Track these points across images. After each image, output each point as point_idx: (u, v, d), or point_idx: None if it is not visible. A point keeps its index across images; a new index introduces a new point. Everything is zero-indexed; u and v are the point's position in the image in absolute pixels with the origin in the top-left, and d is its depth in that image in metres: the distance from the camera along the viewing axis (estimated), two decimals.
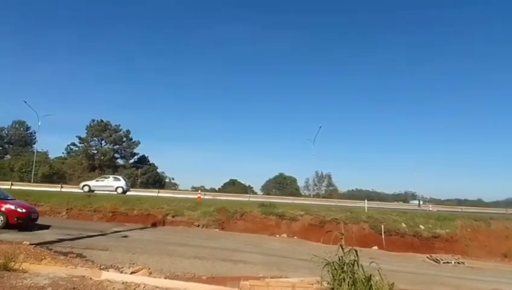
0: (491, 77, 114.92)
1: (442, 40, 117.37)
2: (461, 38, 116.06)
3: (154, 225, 23.11)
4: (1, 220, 15.81)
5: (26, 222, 16.41)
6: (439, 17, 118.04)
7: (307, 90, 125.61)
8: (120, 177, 35.15)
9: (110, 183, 33.08)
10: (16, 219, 16.00)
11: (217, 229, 23.23)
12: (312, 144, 54.99)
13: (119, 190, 32.30)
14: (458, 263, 19.42)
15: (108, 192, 31.32)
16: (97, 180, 34.23)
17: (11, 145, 72.26)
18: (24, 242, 11.68)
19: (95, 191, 31.24)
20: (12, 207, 16.26)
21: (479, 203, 65.22)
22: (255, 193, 63.93)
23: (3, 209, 16.02)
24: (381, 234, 23.03)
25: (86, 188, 32.61)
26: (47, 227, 17.12)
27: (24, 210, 16.55)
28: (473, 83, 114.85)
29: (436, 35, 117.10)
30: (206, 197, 35.54)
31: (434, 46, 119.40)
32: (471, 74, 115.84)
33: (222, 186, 72.18)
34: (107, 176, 37.00)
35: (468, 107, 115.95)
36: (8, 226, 15.70)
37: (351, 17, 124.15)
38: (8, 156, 67.84)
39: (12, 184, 37.18)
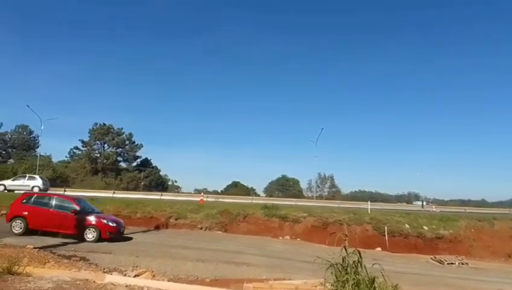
0: (494, 77, 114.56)
1: (444, 40, 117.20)
2: (463, 38, 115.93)
3: (157, 227, 23.14)
4: (94, 235, 15.70)
5: (116, 236, 16.30)
6: (440, 17, 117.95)
7: (309, 91, 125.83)
8: (36, 177, 34.96)
9: (26, 183, 32.78)
10: (108, 233, 15.92)
11: (220, 232, 23.23)
12: (314, 145, 54.82)
13: (36, 189, 31.53)
14: (462, 263, 19.35)
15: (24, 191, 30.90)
16: (13, 180, 34.01)
17: (14, 150, 72.48)
18: (28, 246, 11.70)
19: (15, 191, 30.65)
20: (105, 221, 16.20)
21: (482, 203, 64.97)
22: (258, 195, 63.85)
23: (96, 223, 15.95)
24: (384, 235, 22.98)
25: (1, 187, 32.46)
26: (130, 239, 16.65)
27: (115, 224, 16.51)
28: (476, 82, 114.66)
29: (439, 35, 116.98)
30: (208, 199, 35.53)
31: (436, 46, 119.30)
32: (473, 73, 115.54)
33: (225, 188, 72.12)
34: (24, 175, 36.93)
35: (471, 107, 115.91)
36: (100, 240, 15.62)
37: (352, 18, 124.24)
38: (12, 160, 67.99)
39: None
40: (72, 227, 15.76)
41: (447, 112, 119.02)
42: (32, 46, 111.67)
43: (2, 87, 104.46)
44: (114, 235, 16.19)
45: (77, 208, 16.20)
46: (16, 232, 15.61)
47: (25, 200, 16.71)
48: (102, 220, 16.22)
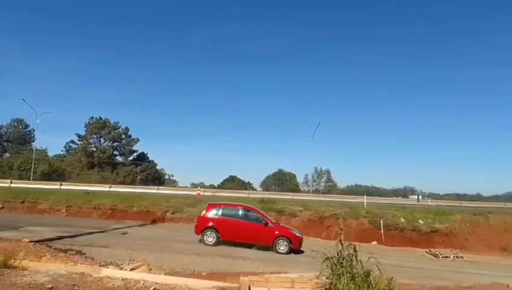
0: (489, 71, 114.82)
1: (440, 35, 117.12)
2: (458, 34, 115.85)
3: (153, 221, 23.17)
4: (286, 246, 15.58)
5: (300, 246, 15.99)
6: (439, 14, 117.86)
7: (306, 86, 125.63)
8: None
9: None
10: (297, 244, 15.78)
11: None
12: (311, 140, 54.97)
13: None
14: (457, 257, 19.51)
15: None
16: None
17: (10, 143, 72.06)
18: (24, 239, 11.67)
19: None
20: (294, 232, 16.21)
21: (478, 197, 65.38)
22: (255, 189, 63.90)
23: (286, 234, 15.91)
24: (380, 229, 23.12)
25: None
26: (302, 252, 15.88)
27: (299, 234, 16.44)
28: (470, 77, 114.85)
29: (435, 30, 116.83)
30: (205, 193, 35.55)
31: (431, 42, 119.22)
32: (467, 69, 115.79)
33: (221, 182, 72.19)
34: None
35: (466, 101, 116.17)
36: (291, 251, 15.53)
37: (348, 14, 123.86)
38: (7, 154, 67.69)
39: (11, 182, 37.16)
40: (264, 239, 15.81)
41: (442, 106, 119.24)
42: (28, 40, 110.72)
43: None
44: (300, 245, 15.98)
45: (266, 219, 16.35)
46: (208, 243, 15.71)
47: (212, 212, 16.57)
48: (292, 231, 16.30)
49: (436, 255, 19.65)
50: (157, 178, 70.03)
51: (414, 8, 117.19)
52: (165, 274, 9.12)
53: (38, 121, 53.17)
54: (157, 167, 73.13)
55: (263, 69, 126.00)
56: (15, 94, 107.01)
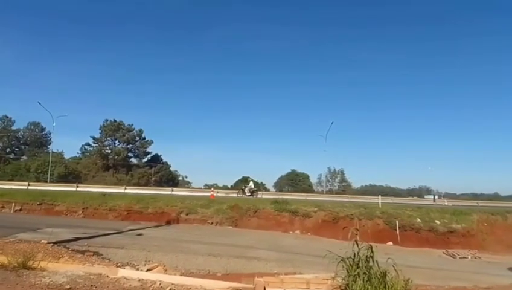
0: (505, 68, 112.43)
1: (454, 34, 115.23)
2: (473, 32, 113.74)
3: (168, 222, 23.31)
4: None
5: None
6: (451, 10, 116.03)
7: (318, 85, 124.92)
8: None
9: None
10: None
11: (231, 227, 23.32)
12: (324, 140, 54.76)
13: None
14: (475, 257, 19.16)
15: None
16: None
17: (27, 146, 73.49)
18: (42, 241, 11.88)
19: None
20: None
21: (495, 197, 64.12)
22: (268, 190, 63.83)
23: None
24: (396, 230, 22.85)
25: None
26: None
27: None
28: (488, 74, 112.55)
29: (449, 28, 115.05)
30: (219, 194, 35.66)
31: (449, 39, 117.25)
32: (485, 65, 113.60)
33: (234, 183, 72.19)
34: None
35: (483, 100, 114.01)
36: None
37: (361, 12, 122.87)
38: (25, 157, 68.99)
39: (29, 184, 37.88)
40: None
41: (459, 105, 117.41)
42: (43, 44, 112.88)
43: (15, 85, 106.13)
44: None
45: None
46: None
47: None
48: None
49: (453, 256, 19.34)
50: (171, 179, 70.53)
51: (433, 4, 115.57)
52: (181, 275, 9.18)
53: (54, 124, 54.33)
54: (171, 169, 73.73)
55: (276, 68, 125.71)
56: (31, 97, 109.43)
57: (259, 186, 40.77)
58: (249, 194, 34.96)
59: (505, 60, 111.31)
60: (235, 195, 35.76)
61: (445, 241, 22.36)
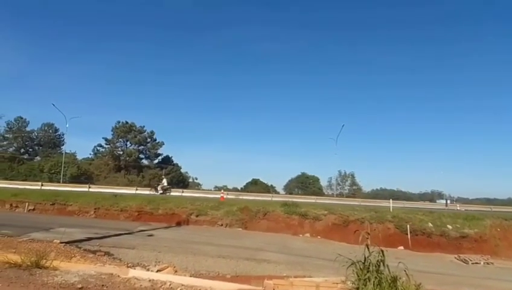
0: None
1: (465, 36, 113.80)
2: (481, 34, 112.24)
3: (178, 224, 23.44)
4: None
5: None
6: (460, 14, 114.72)
7: (330, 88, 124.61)
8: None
9: None
10: None
11: (240, 229, 23.34)
12: (335, 143, 54.51)
13: None
14: (488, 263, 18.85)
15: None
16: None
17: (40, 147, 74.49)
18: (54, 241, 12.05)
19: None
20: None
21: (509, 202, 63.04)
22: (278, 193, 63.72)
23: None
24: (407, 234, 22.60)
25: None
26: None
27: None
28: (501, 78, 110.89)
29: (458, 29, 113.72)
30: (228, 196, 35.75)
31: (459, 41, 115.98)
32: (497, 68, 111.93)
33: (244, 185, 72.22)
34: None
35: (496, 103, 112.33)
36: None
37: (372, 13, 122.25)
38: (38, 158, 69.87)
39: (42, 185, 38.44)
40: None
41: (472, 108, 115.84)
42: (57, 46, 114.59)
43: (30, 87, 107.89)
44: None
45: None
46: None
47: None
48: None
49: (465, 261, 19.05)
50: (181, 181, 70.80)
51: (443, 7, 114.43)
52: (190, 276, 9.21)
53: (67, 126, 55.11)
54: (182, 170, 74.06)
55: (287, 71, 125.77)
56: (46, 99, 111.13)
57: (172, 185, 40.74)
58: (161, 191, 34.99)
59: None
60: (245, 197, 35.75)
61: (457, 247, 22.03)
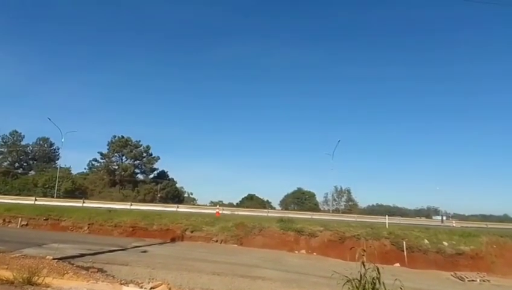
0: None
1: (466, 43, 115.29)
2: (476, 42, 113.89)
3: (173, 240, 23.24)
4: None
5: None
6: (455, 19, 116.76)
7: (326, 103, 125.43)
8: None
9: None
10: None
11: (235, 245, 23.16)
12: (331, 158, 54.64)
13: None
14: (484, 281, 18.75)
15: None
16: None
17: (35, 161, 74.15)
18: (47, 257, 11.89)
19: None
20: None
21: (505, 218, 63.16)
22: (273, 208, 63.47)
23: None
24: (403, 251, 22.51)
25: None
26: None
27: None
28: (497, 90, 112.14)
29: (458, 37, 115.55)
30: (224, 212, 35.51)
31: (458, 48, 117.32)
32: (496, 79, 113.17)
33: (240, 201, 71.92)
34: None
35: (491, 118, 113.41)
36: None
37: (365, 23, 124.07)
38: (33, 172, 69.47)
39: (36, 199, 38.08)
40: None
41: (467, 124, 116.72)
42: (52, 60, 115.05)
43: (25, 101, 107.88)
44: None
45: None
46: None
47: None
48: None
49: (461, 279, 18.95)
50: (176, 196, 70.52)
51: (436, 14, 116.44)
52: None
53: (63, 140, 54.89)
54: (177, 185, 73.82)
55: (282, 83, 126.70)
56: (41, 113, 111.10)
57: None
58: None
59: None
60: (241, 213, 35.58)
61: (454, 264, 21.94)
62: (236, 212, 36.52)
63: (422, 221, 44.59)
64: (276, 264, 17.34)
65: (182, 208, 38.65)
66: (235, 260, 17.16)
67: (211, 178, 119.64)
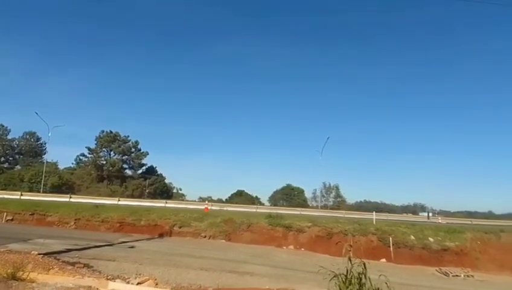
0: (502, 80, 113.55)
1: (456, 43, 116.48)
2: (474, 40, 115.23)
3: (161, 235, 23.15)
4: None
5: None
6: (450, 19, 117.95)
7: (315, 99, 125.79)
8: None
9: None
10: None
11: (224, 241, 23.18)
12: (320, 154, 54.88)
13: None
14: (468, 276, 19.11)
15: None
16: None
17: (21, 156, 72.97)
18: (32, 252, 11.75)
19: None
20: None
21: (489, 215, 64.17)
22: (262, 204, 63.51)
23: None
24: (389, 247, 22.78)
25: None
26: None
27: None
28: (485, 88, 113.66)
29: (448, 36, 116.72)
30: (213, 208, 35.50)
31: (445, 48, 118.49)
32: (485, 77, 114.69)
33: (229, 197, 71.89)
34: None
35: (478, 117, 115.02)
36: None
37: (356, 21, 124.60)
38: (19, 167, 68.41)
39: (22, 194, 37.54)
40: None
41: (454, 121, 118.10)
42: (41, 54, 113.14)
43: (12, 94, 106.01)
44: None
45: None
46: None
47: None
48: None
49: (446, 274, 19.28)
50: (165, 192, 70.12)
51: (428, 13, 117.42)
52: (171, 289, 9.09)
53: (50, 134, 54.14)
54: (166, 181, 73.33)
55: (272, 82, 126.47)
56: (28, 107, 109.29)
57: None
58: None
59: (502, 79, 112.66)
60: (230, 209, 35.60)
61: (439, 259, 22.29)
62: (225, 208, 36.54)
63: (409, 217, 45.10)
64: (264, 259, 17.41)
65: (171, 204, 38.47)
66: (223, 256, 17.17)
67: (200, 174, 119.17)
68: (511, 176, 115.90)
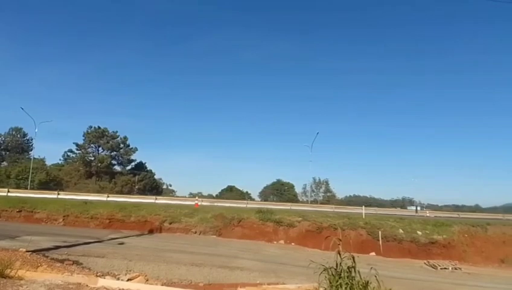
0: (490, 76, 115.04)
1: (443, 37, 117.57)
2: (462, 35, 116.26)
3: (151, 231, 23.07)
4: None
5: None
6: (443, 13, 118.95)
7: (305, 95, 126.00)
8: None
9: None
10: None
11: (214, 236, 23.19)
12: (310, 150, 55.05)
13: None
14: (455, 268, 19.42)
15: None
16: None
17: (7, 152, 71.93)
18: (20, 249, 11.62)
19: None
20: None
21: (476, 209, 65.16)
22: (253, 199, 63.67)
23: None
24: (378, 240, 23.03)
25: None
26: None
27: None
28: (474, 84, 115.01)
29: (435, 31, 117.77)
30: (203, 203, 35.43)
31: (434, 42, 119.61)
32: (472, 72, 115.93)
33: (220, 192, 71.93)
34: None
35: (465, 112, 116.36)
36: None
37: (345, 15, 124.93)
38: (5, 163, 67.45)
39: (9, 191, 36.96)
40: None
41: (443, 116, 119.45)
42: (27, 49, 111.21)
43: None
44: None
45: None
46: None
47: None
48: None
49: (434, 267, 19.57)
50: (155, 187, 69.78)
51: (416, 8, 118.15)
52: (162, 285, 9.07)
53: (36, 130, 53.26)
54: (155, 177, 73.01)
55: (261, 76, 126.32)
56: (14, 102, 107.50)
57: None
58: None
59: (491, 65, 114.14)
60: (220, 204, 35.57)
61: (427, 252, 22.62)
62: (215, 204, 36.50)
63: (398, 211, 45.51)
64: (254, 254, 17.48)
65: (161, 200, 38.26)
66: (213, 251, 17.19)
67: (190, 170, 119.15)
68: (497, 170, 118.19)
